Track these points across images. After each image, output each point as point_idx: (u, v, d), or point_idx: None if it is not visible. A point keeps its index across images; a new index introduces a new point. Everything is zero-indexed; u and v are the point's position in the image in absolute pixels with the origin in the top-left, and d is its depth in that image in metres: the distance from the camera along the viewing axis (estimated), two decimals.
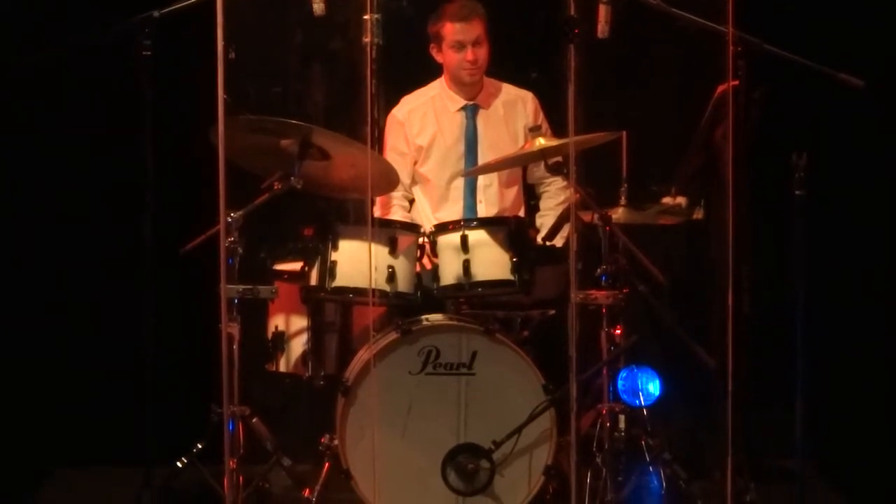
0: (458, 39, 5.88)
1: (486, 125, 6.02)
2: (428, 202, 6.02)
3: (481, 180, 5.99)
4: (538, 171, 5.96)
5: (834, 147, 5.99)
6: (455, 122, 6.02)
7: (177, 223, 5.46)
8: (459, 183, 6.00)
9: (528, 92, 6.08)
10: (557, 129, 5.73)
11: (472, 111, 6.02)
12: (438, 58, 5.98)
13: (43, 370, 6.33)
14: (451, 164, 6.00)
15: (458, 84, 6.00)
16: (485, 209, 5.97)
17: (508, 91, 6.07)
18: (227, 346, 4.82)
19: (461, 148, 6.01)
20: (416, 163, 6.03)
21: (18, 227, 6.28)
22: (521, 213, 6.03)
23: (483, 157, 5.95)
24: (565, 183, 5.80)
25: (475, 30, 5.87)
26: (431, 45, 5.99)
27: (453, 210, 5.97)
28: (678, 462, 5.47)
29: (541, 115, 6.04)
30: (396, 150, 6.01)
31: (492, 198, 6.00)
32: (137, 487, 5.32)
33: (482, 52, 5.92)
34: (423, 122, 6.02)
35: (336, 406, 5.32)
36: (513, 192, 6.05)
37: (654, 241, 5.67)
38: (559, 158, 5.34)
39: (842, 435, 6.13)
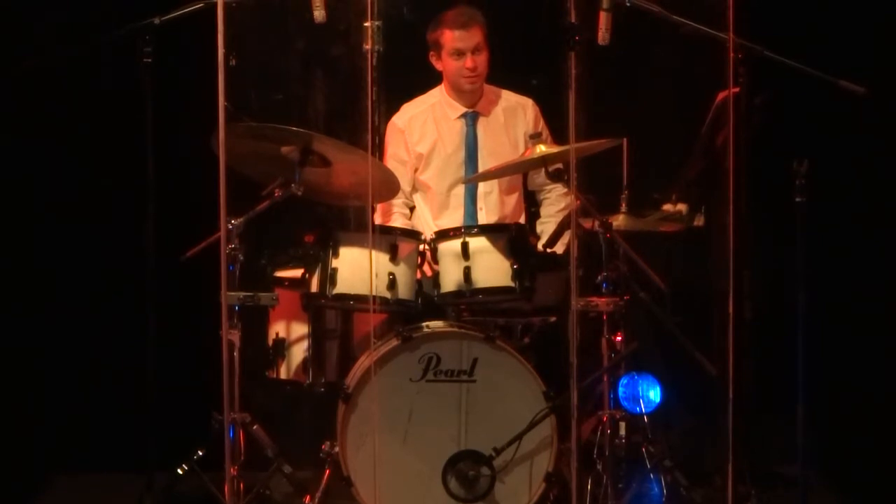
0: (457, 47, 5.87)
1: (486, 132, 6.01)
2: (428, 209, 6.02)
3: (482, 187, 5.99)
4: (539, 177, 5.96)
5: (835, 153, 5.99)
6: (455, 130, 6.02)
7: (178, 230, 5.46)
8: (460, 190, 5.99)
9: (527, 98, 6.08)
10: (558, 135, 5.73)
11: (472, 118, 6.01)
12: (438, 65, 5.98)
13: (45, 376, 6.33)
14: (451, 171, 6.00)
15: (458, 92, 5.99)
16: (485, 216, 5.97)
17: (508, 98, 6.07)
18: (228, 353, 4.82)
19: (461, 155, 6.00)
20: (416, 170, 6.03)
21: (20, 234, 6.27)
22: (522, 220, 6.03)
23: (483, 165, 5.95)
24: (566, 190, 5.80)
25: (474, 37, 5.87)
26: (431, 52, 5.98)
27: (454, 217, 5.97)
28: (679, 469, 5.47)
29: (541, 122, 6.04)
30: (397, 158, 6.01)
31: (492, 205, 5.99)
32: (139, 493, 5.33)
33: (481, 60, 5.91)
34: (423, 130, 6.02)
35: (337, 413, 5.32)
36: (513, 199, 6.05)
37: (654, 248, 5.67)
38: (560, 165, 5.35)
39: (843, 441, 6.13)
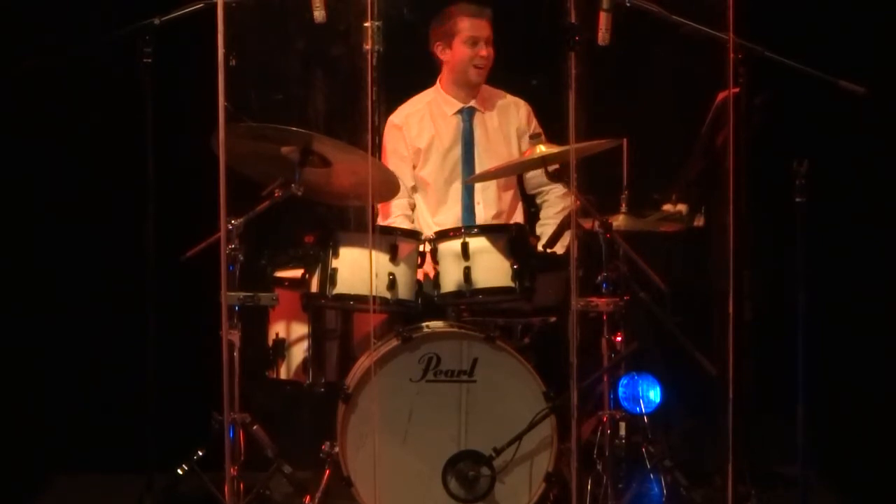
0: (473, 35, 5.89)
1: (481, 128, 6.02)
2: (426, 206, 6.02)
3: (479, 183, 5.99)
4: (536, 179, 5.98)
5: (835, 153, 5.99)
6: (451, 125, 6.02)
7: (178, 230, 5.46)
8: (458, 185, 6.00)
9: (521, 99, 6.10)
10: (558, 135, 5.72)
11: (468, 114, 6.02)
12: (444, 56, 5.98)
13: (45, 376, 6.33)
14: (448, 166, 6.00)
15: (461, 84, 6.00)
16: (483, 211, 5.97)
17: (503, 96, 6.09)
18: (228, 354, 4.82)
19: (458, 151, 6.01)
20: (414, 167, 6.03)
21: (20, 234, 6.27)
22: (519, 215, 6.04)
23: (479, 160, 5.97)
24: (565, 190, 5.81)
25: (487, 28, 5.90)
26: (437, 43, 5.98)
27: (452, 213, 5.97)
28: (679, 469, 5.47)
29: (534, 122, 6.04)
30: (397, 154, 6.01)
31: (490, 200, 6.00)
32: (139, 494, 5.33)
33: (491, 52, 5.94)
34: (420, 126, 6.02)
35: (337, 413, 5.32)
36: (510, 195, 6.05)
37: (654, 248, 5.67)
38: (559, 165, 5.35)
39: (843, 441, 6.13)
